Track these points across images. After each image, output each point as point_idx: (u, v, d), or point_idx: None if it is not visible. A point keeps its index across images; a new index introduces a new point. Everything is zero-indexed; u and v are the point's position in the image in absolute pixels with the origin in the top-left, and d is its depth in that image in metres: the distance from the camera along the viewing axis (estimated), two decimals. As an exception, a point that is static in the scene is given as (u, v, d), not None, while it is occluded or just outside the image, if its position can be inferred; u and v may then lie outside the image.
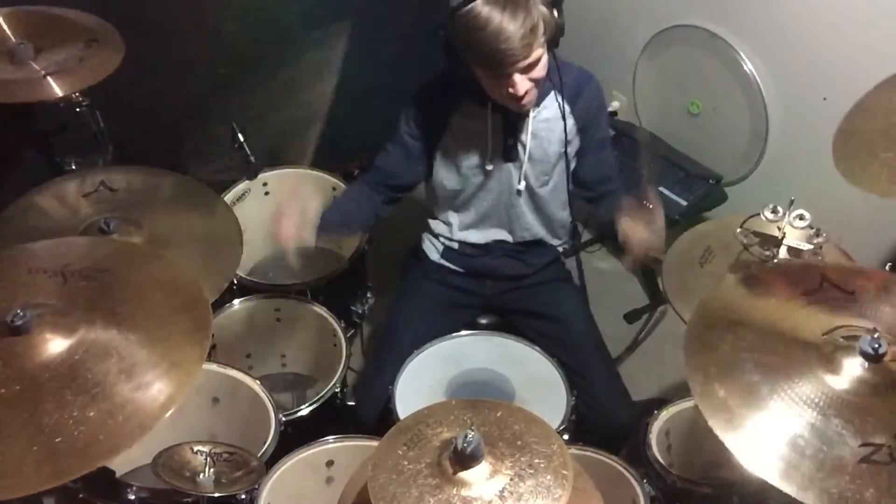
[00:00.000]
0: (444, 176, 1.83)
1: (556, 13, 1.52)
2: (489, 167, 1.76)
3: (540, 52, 1.53)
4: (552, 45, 1.57)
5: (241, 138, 2.06)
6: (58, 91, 1.76)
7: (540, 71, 1.56)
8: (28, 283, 1.28)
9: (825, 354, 1.17)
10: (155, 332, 1.24)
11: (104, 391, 1.14)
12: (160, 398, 1.15)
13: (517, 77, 1.53)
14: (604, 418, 1.72)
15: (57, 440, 1.09)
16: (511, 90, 1.55)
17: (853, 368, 1.14)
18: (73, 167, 2.02)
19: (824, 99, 2.07)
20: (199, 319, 1.29)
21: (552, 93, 1.70)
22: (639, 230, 1.62)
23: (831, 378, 1.14)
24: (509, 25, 1.45)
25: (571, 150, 1.78)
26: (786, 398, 1.13)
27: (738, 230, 1.59)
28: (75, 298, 1.26)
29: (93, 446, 1.09)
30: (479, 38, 1.47)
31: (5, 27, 1.84)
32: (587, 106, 1.74)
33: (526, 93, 1.56)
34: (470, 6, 1.46)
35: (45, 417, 1.10)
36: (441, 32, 1.54)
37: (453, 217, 1.90)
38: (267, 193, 2.23)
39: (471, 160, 1.77)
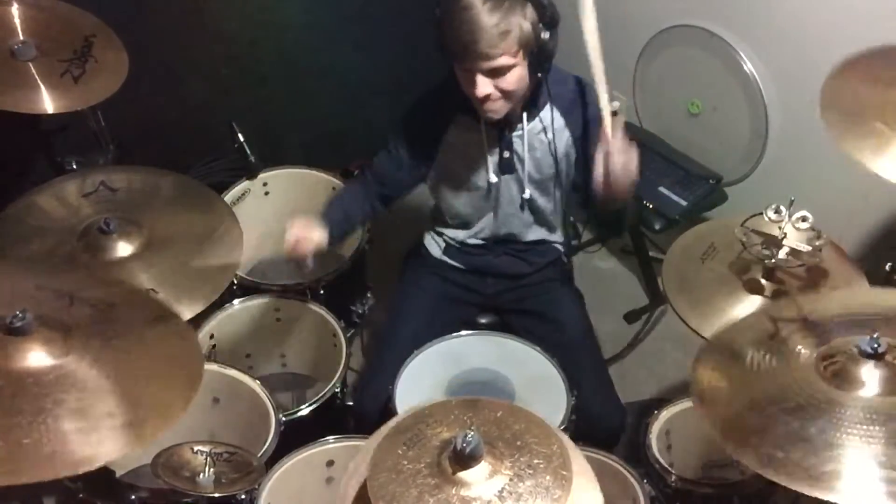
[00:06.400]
0: (446, 189, 1.84)
1: (544, 33, 1.51)
2: (493, 180, 1.76)
3: (508, 61, 1.51)
4: (536, 65, 1.55)
5: (241, 138, 2.06)
6: (50, 109, 1.77)
7: (509, 84, 1.55)
8: (34, 297, 1.28)
9: (835, 377, 1.16)
10: (139, 377, 1.23)
11: (83, 410, 1.13)
12: (86, 451, 1.11)
13: (479, 77, 1.53)
14: (592, 423, 1.72)
15: (25, 441, 1.08)
16: (472, 89, 1.55)
17: (870, 374, 1.14)
18: (74, 167, 2.02)
19: (824, 99, 2.07)
20: (187, 381, 1.27)
21: (548, 105, 1.70)
22: (621, 155, 1.54)
23: (862, 392, 1.14)
24: (483, 19, 1.45)
25: (569, 161, 1.78)
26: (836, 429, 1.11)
27: (738, 228, 1.59)
28: (78, 321, 1.25)
29: (57, 456, 1.08)
30: (453, 22, 1.48)
31: (17, 22, 1.82)
32: (583, 115, 1.74)
33: (488, 97, 1.55)
34: None
35: (18, 417, 1.10)
36: (437, 11, 1.54)
37: (459, 220, 1.90)
38: (267, 193, 2.23)
39: (471, 174, 1.78)
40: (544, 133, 1.72)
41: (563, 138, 1.74)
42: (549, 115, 1.71)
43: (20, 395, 1.13)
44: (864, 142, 1.35)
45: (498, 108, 1.60)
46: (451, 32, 1.50)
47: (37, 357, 1.17)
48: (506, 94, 1.57)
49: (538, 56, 1.54)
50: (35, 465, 1.07)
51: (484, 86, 1.53)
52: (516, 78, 1.55)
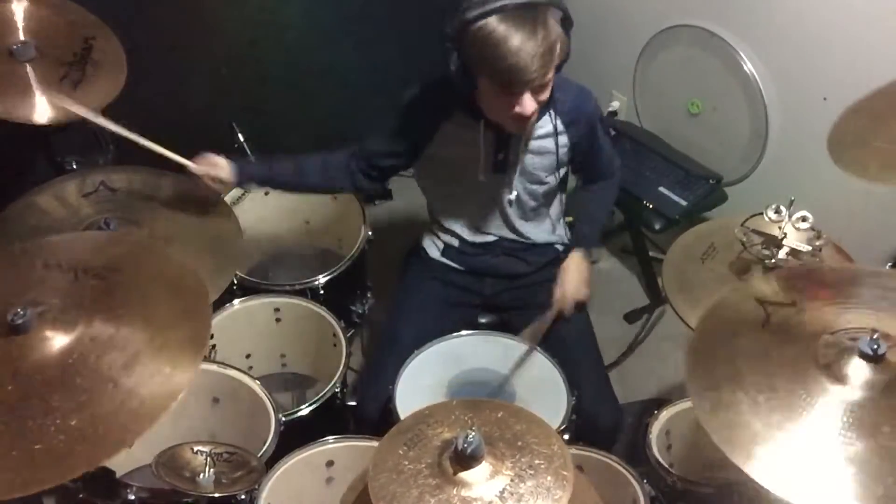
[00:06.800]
0: (434, 182, 1.85)
1: (567, 37, 1.52)
2: (482, 179, 1.76)
3: (551, 76, 1.52)
4: (558, 69, 1.56)
5: (241, 138, 2.06)
6: (44, 119, 1.75)
7: (547, 93, 1.56)
8: (40, 279, 1.28)
9: (826, 365, 1.15)
10: (152, 332, 1.24)
11: (91, 399, 1.14)
12: (167, 386, 1.15)
13: (526, 96, 1.51)
14: (591, 423, 1.72)
15: (36, 446, 1.08)
16: (518, 109, 1.52)
17: (858, 372, 1.13)
18: (74, 167, 2.02)
19: (824, 99, 2.07)
20: (198, 327, 1.28)
21: (550, 110, 1.71)
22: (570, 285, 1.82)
23: (841, 389, 1.12)
24: (528, 44, 1.43)
25: (564, 163, 1.80)
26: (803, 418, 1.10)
27: (738, 228, 1.59)
28: (82, 297, 1.26)
29: (69, 457, 1.08)
30: (497, 54, 1.44)
31: (18, 19, 1.81)
32: (584, 124, 1.76)
33: (532, 114, 1.55)
34: (484, 21, 1.43)
35: (29, 422, 1.10)
36: (448, 45, 1.52)
37: (450, 218, 1.91)
38: (267, 193, 2.23)
39: (461, 170, 1.77)
40: (545, 138, 1.73)
41: (563, 142, 1.75)
42: (551, 120, 1.71)
43: (29, 398, 1.13)
44: (867, 163, 1.37)
45: (534, 121, 1.63)
46: (495, 65, 1.46)
47: (54, 342, 1.18)
48: (540, 105, 1.57)
49: (563, 59, 1.55)
50: (58, 465, 1.08)
51: (530, 103, 1.52)
52: (550, 86, 1.56)
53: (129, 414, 1.12)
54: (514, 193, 1.79)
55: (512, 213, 1.85)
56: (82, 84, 1.80)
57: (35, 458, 1.07)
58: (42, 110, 1.75)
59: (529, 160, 1.75)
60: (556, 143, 1.72)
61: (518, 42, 1.42)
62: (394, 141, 1.80)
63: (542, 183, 1.80)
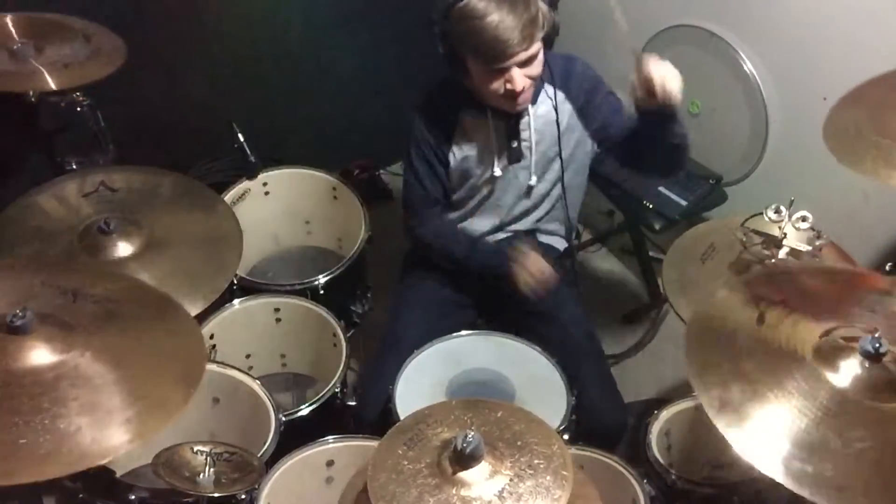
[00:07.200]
0: (456, 185, 1.85)
1: (552, 11, 1.54)
2: (497, 173, 1.76)
3: (538, 47, 1.54)
4: (547, 43, 1.58)
5: (241, 138, 2.06)
6: (53, 85, 1.77)
7: (536, 68, 1.57)
8: (37, 294, 1.28)
9: (823, 356, 1.16)
10: (143, 370, 1.24)
11: (83, 406, 1.13)
12: (103, 445, 1.12)
13: (515, 71, 1.53)
14: (596, 422, 1.72)
15: (21, 441, 1.08)
16: (508, 86, 1.55)
17: (852, 368, 1.14)
18: (74, 167, 2.02)
19: (824, 99, 2.06)
20: (190, 374, 1.28)
21: (545, 85, 1.72)
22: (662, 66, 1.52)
23: (832, 375, 1.14)
24: (509, 16, 1.46)
25: (574, 136, 1.78)
26: (788, 395, 1.12)
27: (738, 228, 1.59)
28: (80, 318, 1.26)
29: (52, 456, 1.08)
30: (479, 28, 1.48)
31: (12, 28, 1.85)
32: (579, 86, 1.75)
33: (523, 89, 1.56)
34: (466, 0, 1.47)
35: (15, 416, 1.10)
36: (436, 29, 1.54)
37: (464, 217, 1.91)
38: (267, 193, 2.23)
39: (479, 168, 1.78)
40: (549, 113, 1.73)
41: (566, 112, 1.75)
42: (551, 93, 1.72)
43: (18, 395, 1.13)
44: (864, 156, 1.37)
45: (528, 97, 1.63)
46: (478, 40, 1.49)
47: (40, 355, 1.18)
48: (533, 80, 1.59)
49: (549, 33, 1.56)
50: (40, 463, 1.07)
51: (520, 79, 1.55)
52: (540, 60, 1.57)
53: (89, 443, 1.11)
54: (534, 178, 1.79)
55: (529, 203, 1.85)
56: (85, 61, 1.82)
57: (18, 453, 1.07)
58: (50, 82, 1.78)
59: (540, 138, 1.75)
60: (557, 112, 1.72)
61: (499, 15, 1.46)
62: (429, 176, 1.80)
63: (553, 159, 1.79)
